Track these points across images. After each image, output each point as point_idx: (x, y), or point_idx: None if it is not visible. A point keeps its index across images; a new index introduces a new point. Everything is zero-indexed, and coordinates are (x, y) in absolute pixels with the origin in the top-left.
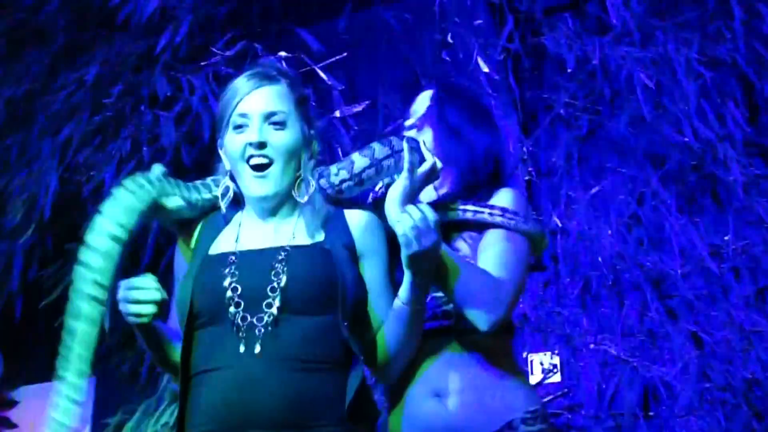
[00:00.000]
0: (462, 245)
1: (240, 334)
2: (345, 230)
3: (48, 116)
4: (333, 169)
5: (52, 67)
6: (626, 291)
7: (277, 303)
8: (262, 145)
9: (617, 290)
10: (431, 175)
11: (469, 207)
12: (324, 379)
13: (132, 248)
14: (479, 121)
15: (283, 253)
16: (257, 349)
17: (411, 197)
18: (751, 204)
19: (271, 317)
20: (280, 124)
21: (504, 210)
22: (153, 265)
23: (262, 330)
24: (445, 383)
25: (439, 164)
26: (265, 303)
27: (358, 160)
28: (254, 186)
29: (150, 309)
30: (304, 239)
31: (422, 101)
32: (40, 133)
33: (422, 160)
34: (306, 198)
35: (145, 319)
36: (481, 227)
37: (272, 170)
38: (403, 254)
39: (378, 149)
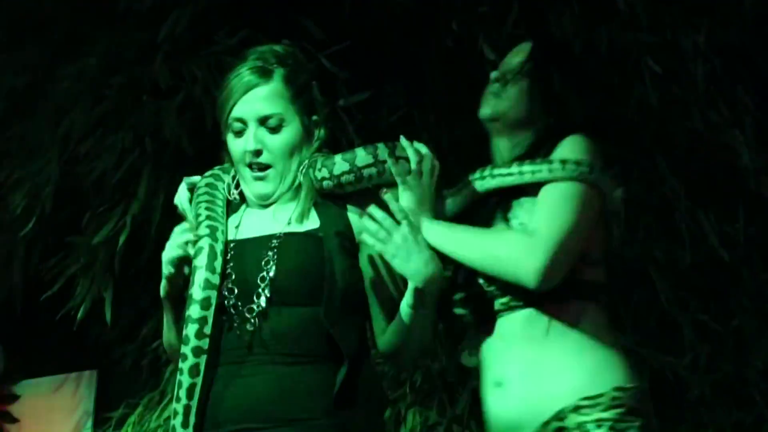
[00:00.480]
0: (522, 213)
1: (233, 325)
2: (342, 217)
3: (49, 108)
4: (318, 163)
5: (53, 58)
6: (635, 280)
7: (266, 293)
8: (258, 153)
9: (626, 280)
10: (429, 172)
11: (526, 167)
12: (313, 370)
13: (135, 241)
14: (583, 88)
15: (275, 241)
16: (245, 341)
17: (425, 203)
18: (762, 191)
19: (260, 308)
20: (276, 128)
21: (564, 161)
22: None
23: (252, 321)
24: (504, 372)
25: (428, 155)
26: (254, 293)
27: (339, 164)
28: (255, 186)
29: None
30: (298, 225)
31: (517, 55)
32: (41, 125)
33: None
34: (302, 177)
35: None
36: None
37: (271, 173)
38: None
39: (360, 157)
